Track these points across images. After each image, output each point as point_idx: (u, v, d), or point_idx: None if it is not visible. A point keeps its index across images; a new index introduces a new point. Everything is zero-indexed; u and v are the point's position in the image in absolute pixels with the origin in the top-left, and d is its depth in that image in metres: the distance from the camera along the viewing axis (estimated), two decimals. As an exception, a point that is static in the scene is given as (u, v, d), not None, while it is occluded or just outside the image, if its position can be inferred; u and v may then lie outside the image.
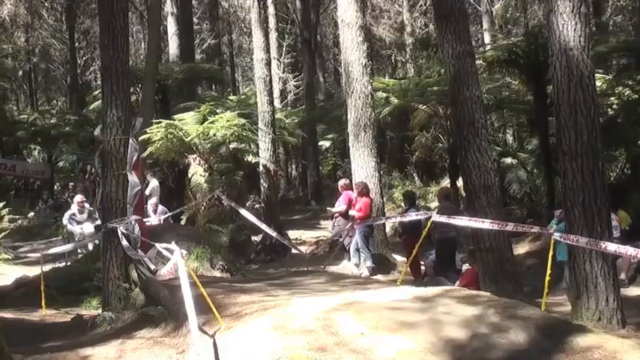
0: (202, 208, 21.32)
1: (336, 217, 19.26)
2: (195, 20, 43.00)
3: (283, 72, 42.24)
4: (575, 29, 10.40)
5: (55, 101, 60.10)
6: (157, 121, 22.37)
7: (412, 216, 16.54)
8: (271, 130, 25.05)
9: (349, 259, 18.17)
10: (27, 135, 38.59)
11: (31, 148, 42.47)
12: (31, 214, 31.45)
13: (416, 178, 32.30)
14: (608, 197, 10.60)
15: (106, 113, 12.48)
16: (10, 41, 47.92)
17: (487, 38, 34.26)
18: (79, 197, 21.82)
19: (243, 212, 19.11)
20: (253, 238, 23.42)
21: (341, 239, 19.10)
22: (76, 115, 40.47)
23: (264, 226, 18.95)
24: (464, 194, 18.49)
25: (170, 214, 20.90)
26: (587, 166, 10.34)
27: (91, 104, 40.47)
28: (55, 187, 38.49)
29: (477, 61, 18.15)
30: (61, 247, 17.48)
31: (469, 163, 13.56)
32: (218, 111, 25.08)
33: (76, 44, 48.75)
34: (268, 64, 26.29)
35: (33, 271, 16.82)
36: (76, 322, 12.41)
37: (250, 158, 25.09)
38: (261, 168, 25.35)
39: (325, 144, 41.92)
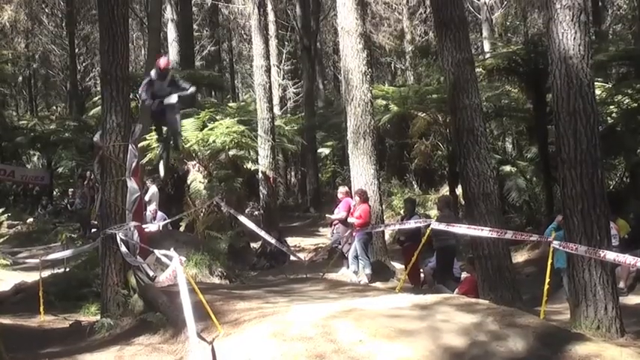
0: (201, 214, 21.33)
1: (335, 224, 19.27)
2: (195, 27, 43.05)
3: (283, 79, 42.27)
4: (574, 38, 10.43)
5: (54, 107, 60.06)
6: (157, 127, 22.38)
7: (411, 223, 16.54)
8: (271, 137, 25.11)
9: (348, 267, 18.16)
10: (26, 141, 38.61)
11: (31, 153, 42.48)
12: (30, 219, 31.43)
13: (415, 186, 32.29)
14: (607, 205, 10.62)
15: (105, 119, 12.49)
16: (10, 47, 47.93)
17: (487, 46, 34.24)
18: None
19: (242, 219, 19.11)
20: (252, 244, 23.41)
21: (340, 246, 19.09)
22: (75, 121, 40.48)
23: (263, 233, 18.95)
24: (463, 202, 18.49)
25: (169, 220, 20.90)
26: (586, 175, 10.36)
27: (90, 110, 40.56)
28: (54, 192, 38.53)
29: (477, 69, 18.16)
30: (59, 252, 17.47)
31: (468, 171, 13.57)
32: (217, 118, 25.12)
33: (76, 50, 48.73)
34: (268, 71, 26.37)
35: (31, 277, 16.83)
36: (75, 328, 12.42)
37: (249, 165, 25.14)
38: (260, 175, 25.40)
39: (324, 151, 41.88)
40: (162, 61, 16.12)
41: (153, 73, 15.75)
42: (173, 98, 15.98)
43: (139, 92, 16.85)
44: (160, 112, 16.28)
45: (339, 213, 18.88)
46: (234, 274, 17.39)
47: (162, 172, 18.60)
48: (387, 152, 35.74)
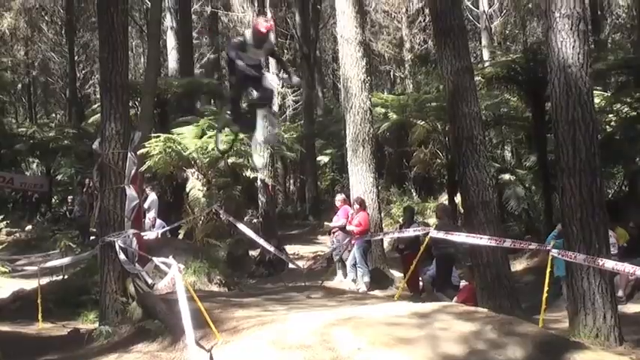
0: (200, 222, 21.30)
1: (334, 233, 19.26)
2: (194, 35, 43.04)
3: (282, 87, 42.22)
4: (573, 46, 10.46)
5: (53, 114, 60.09)
6: (156, 135, 22.37)
7: (410, 231, 16.54)
8: (270, 145, 25.07)
9: (346, 275, 18.15)
10: (26, 148, 38.54)
11: (30, 160, 42.37)
12: (29, 227, 31.43)
13: (414, 194, 32.29)
14: (606, 214, 10.63)
15: (104, 127, 12.51)
16: (9, 54, 47.97)
17: (486, 55, 34.29)
18: None
19: (241, 227, 19.09)
20: (251, 252, 23.40)
21: (335, 252, 19.07)
22: (74, 128, 40.45)
23: (261, 241, 18.93)
24: (462, 210, 18.50)
25: (168, 228, 20.88)
26: (585, 183, 10.37)
27: (89, 118, 40.47)
28: (53, 200, 38.47)
29: (476, 78, 18.18)
30: (58, 260, 17.46)
31: (467, 179, 13.57)
32: (217, 125, 25.07)
33: (76, 58, 48.70)
34: (267, 79, 26.31)
35: (30, 284, 16.80)
36: (73, 336, 12.41)
37: (249, 173, 25.11)
38: (259, 183, 25.38)
39: (324, 159, 41.85)
40: (262, 23, 12.60)
41: (247, 34, 12.68)
42: (274, 80, 12.73)
43: (226, 51, 13.21)
44: (247, 83, 12.65)
45: (339, 220, 18.88)
46: (232, 282, 17.37)
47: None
48: (386, 160, 35.76)
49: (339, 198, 19.72)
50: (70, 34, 47.64)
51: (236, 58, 12.19)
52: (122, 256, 12.04)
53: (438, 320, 8.96)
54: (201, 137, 23.01)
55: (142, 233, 14.31)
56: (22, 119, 55.04)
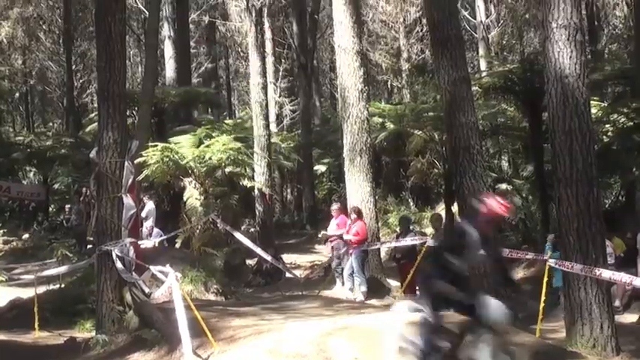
0: (197, 231, 21.27)
1: (331, 241, 19.21)
2: (192, 44, 43.09)
3: (279, 96, 42.23)
4: (570, 57, 10.47)
5: (51, 123, 60.07)
6: (153, 144, 22.35)
7: (407, 241, 16.54)
8: (267, 154, 25.13)
9: (343, 284, 18.13)
10: (23, 157, 38.51)
11: (27, 169, 42.32)
12: (26, 235, 31.37)
13: (411, 203, 32.29)
14: (603, 224, 10.63)
15: (102, 136, 12.52)
16: (7, 63, 48.01)
17: (483, 65, 34.36)
18: None
19: (238, 236, 19.11)
20: (248, 261, 23.37)
21: (336, 262, 19.03)
22: (72, 137, 40.40)
23: (259, 250, 18.94)
24: (459, 220, 18.49)
25: (165, 237, 20.87)
26: (582, 193, 10.38)
27: (87, 127, 40.44)
28: (50, 209, 38.40)
29: (473, 88, 18.20)
30: (55, 269, 17.43)
31: (464, 189, 13.58)
32: (214, 134, 25.08)
33: (73, 67, 48.67)
34: (265, 88, 26.42)
35: (27, 293, 16.77)
36: (69, 345, 12.39)
37: (246, 182, 25.11)
38: (256, 192, 25.36)
39: (321, 168, 41.85)
40: (499, 204, 8.00)
41: (468, 226, 8.04)
42: (500, 312, 7.99)
43: (439, 257, 7.99)
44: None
45: (338, 229, 18.81)
46: (229, 291, 17.34)
47: None
48: (384, 170, 35.73)
49: (334, 207, 19.70)
50: (67, 43, 47.65)
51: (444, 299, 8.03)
52: (119, 265, 12.04)
53: (434, 330, 8.95)
54: (198, 146, 23.02)
55: (139, 242, 14.32)
56: (20, 128, 55.09)
